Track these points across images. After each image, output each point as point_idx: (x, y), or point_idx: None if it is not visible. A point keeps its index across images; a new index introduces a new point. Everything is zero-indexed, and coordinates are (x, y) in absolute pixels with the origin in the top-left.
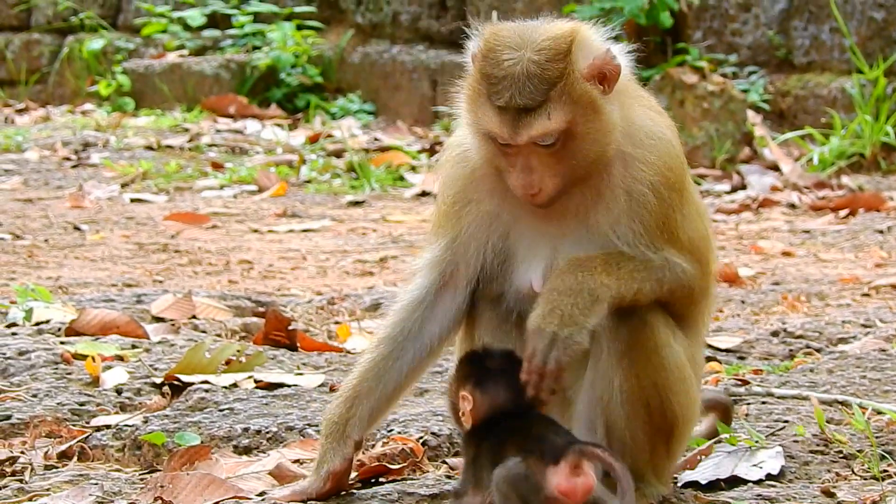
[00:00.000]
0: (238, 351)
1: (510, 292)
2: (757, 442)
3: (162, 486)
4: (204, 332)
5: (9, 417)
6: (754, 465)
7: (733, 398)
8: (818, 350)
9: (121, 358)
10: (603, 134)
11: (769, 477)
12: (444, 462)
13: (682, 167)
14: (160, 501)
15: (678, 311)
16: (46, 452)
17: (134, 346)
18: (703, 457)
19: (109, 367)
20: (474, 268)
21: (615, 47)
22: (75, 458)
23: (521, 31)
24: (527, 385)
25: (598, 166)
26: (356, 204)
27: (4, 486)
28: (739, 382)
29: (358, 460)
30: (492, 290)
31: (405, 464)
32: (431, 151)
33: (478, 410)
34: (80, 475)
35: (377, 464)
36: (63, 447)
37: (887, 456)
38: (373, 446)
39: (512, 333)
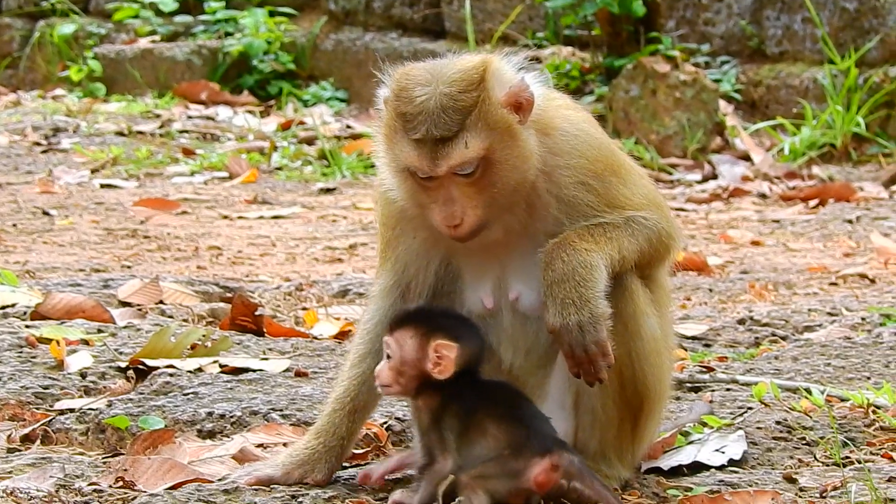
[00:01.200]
0: (204, 336)
1: (463, 310)
2: (720, 429)
3: (125, 470)
4: (171, 317)
5: None
6: (716, 451)
7: (697, 385)
8: (784, 338)
9: (86, 342)
10: (521, 160)
11: (732, 463)
12: (408, 447)
13: (609, 150)
14: (121, 483)
15: (655, 266)
16: (10, 435)
17: (99, 331)
18: (666, 447)
19: (74, 351)
20: (423, 289)
21: (529, 76)
22: (38, 442)
23: (430, 69)
24: (582, 375)
25: (520, 192)
26: (327, 191)
27: None
28: (704, 369)
29: None
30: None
31: (369, 448)
32: None
33: (453, 363)
34: (43, 458)
35: None
36: (26, 430)
37: (849, 443)
38: None
39: None
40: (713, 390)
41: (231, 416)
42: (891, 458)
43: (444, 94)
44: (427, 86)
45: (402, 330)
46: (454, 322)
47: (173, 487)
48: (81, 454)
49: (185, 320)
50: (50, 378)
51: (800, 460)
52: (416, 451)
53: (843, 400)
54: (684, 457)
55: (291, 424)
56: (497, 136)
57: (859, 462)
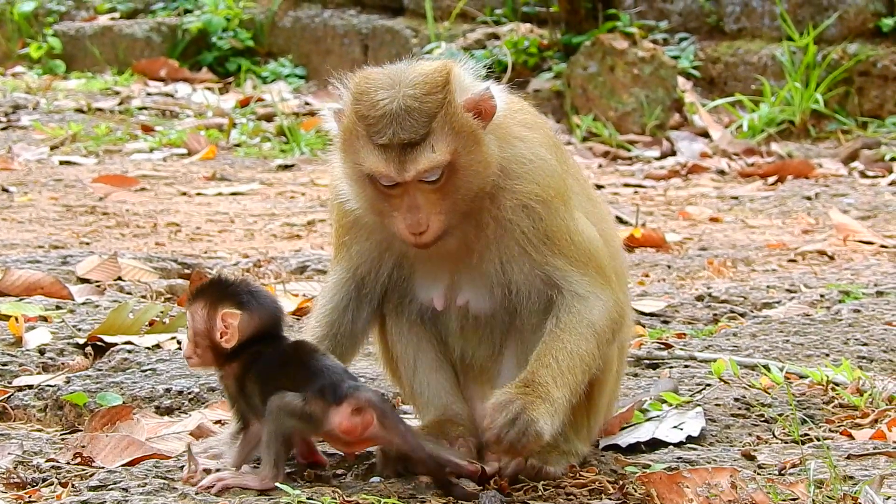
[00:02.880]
0: (162, 312)
1: (414, 304)
2: (678, 406)
3: (83, 446)
4: (129, 293)
5: None
6: (675, 428)
7: (655, 362)
8: (742, 315)
9: (44, 318)
10: (484, 165)
11: (690, 440)
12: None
13: (560, 180)
14: (80, 459)
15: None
16: None
17: (58, 307)
18: (624, 423)
19: (33, 328)
20: (373, 286)
21: (492, 85)
22: None
23: (390, 73)
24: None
25: (479, 199)
26: (285, 167)
27: None
28: (662, 346)
29: None
30: (395, 301)
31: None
32: None
33: (241, 328)
34: (1, 435)
35: None
36: None
37: (808, 420)
38: None
39: (421, 335)
40: (671, 367)
41: (189, 393)
42: (849, 436)
43: (409, 97)
44: (390, 89)
45: (195, 302)
46: (243, 292)
47: (131, 463)
48: (40, 430)
49: (143, 297)
50: (8, 354)
51: (758, 437)
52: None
53: (801, 377)
54: (642, 434)
55: None
56: (462, 141)
57: (818, 439)
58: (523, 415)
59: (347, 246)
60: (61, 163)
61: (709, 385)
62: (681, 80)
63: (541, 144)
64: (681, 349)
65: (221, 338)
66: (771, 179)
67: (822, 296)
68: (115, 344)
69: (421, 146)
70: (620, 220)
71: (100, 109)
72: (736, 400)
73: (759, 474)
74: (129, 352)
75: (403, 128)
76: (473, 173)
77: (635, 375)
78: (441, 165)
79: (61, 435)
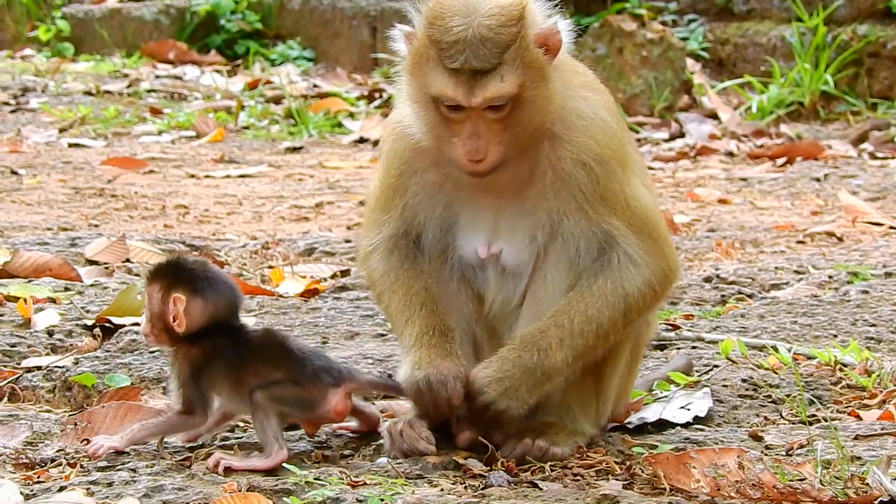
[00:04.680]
0: None
1: (454, 257)
2: (686, 386)
3: (85, 426)
4: (137, 275)
5: None
6: (682, 408)
7: (663, 343)
8: (750, 296)
9: (53, 300)
10: (547, 101)
11: (697, 420)
12: (373, 404)
13: (620, 142)
14: (87, 442)
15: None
16: None
17: (66, 289)
18: (631, 411)
19: (41, 309)
20: (423, 233)
21: (560, 21)
22: (6, 399)
23: (465, 1)
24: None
25: (534, 140)
26: (294, 150)
27: None
28: (670, 327)
29: None
30: (436, 252)
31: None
32: (370, 98)
33: (193, 316)
34: (10, 416)
35: None
36: None
37: (816, 401)
38: None
39: (457, 291)
40: (679, 348)
41: None
42: (857, 416)
43: (484, 26)
44: (465, 17)
45: (152, 283)
46: (200, 277)
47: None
48: (48, 412)
49: None
50: (17, 336)
51: (766, 418)
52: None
53: (809, 358)
54: (650, 414)
55: None
56: (530, 75)
57: (826, 420)
58: (493, 405)
59: (402, 190)
60: (70, 145)
61: (716, 366)
62: (689, 61)
63: (602, 106)
64: (688, 330)
65: (174, 321)
66: (780, 161)
67: (830, 277)
68: (124, 325)
69: (491, 74)
70: None
71: (108, 92)
72: (743, 381)
73: (766, 455)
74: (137, 333)
75: (476, 56)
76: (537, 108)
77: (643, 357)
78: (508, 96)
79: (70, 416)
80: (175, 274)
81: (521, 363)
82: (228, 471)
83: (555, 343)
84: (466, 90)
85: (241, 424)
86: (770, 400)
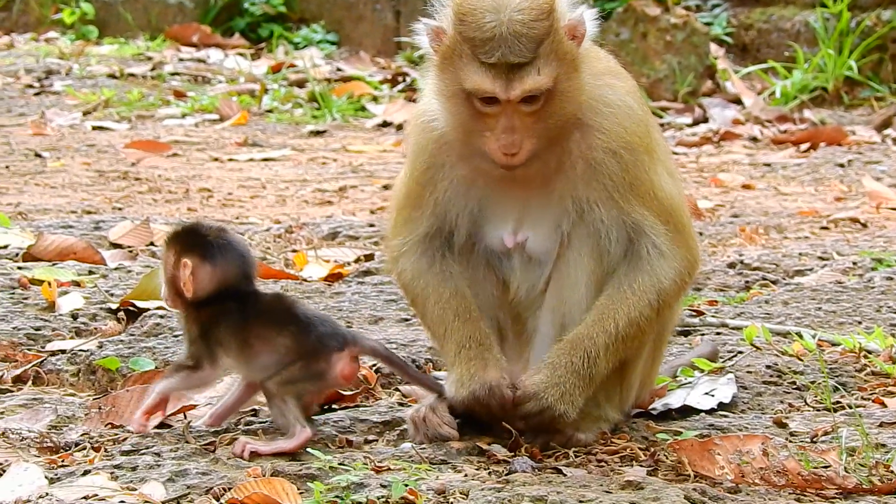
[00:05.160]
0: None
1: (481, 245)
2: (710, 372)
3: (110, 410)
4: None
5: None
6: (706, 394)
7: (687, 329)
8: (774, 282)
9: (77, 283)
10: (578, 91)
11: (721, 406)
12: (397, 389)
13: (646, 129)
14: (111, 427)
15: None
16: (1, 376)
17: (91, 272)
18: (656, 398)
19: (66, 293)
20: (455, 229)
21: (585, 11)
22: (30, 383)
23: None
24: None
25: (564, 131)
26: (317, 133)
27: None
28: (694, 313)
29: None
30: (463, 242)
31: (358, 390)
32: (393, 82)
33: (202, 281)
34: (35, 399)
35: (331, 390)
36: (18, 371)
37: (840, 387)
38: None
39: (483, 278)
40: (703, 334)
41: None
42: (882, 403)
43: (517, 21)
44: (495, 12)
45: (167, 247)
46: (211, 243)
47: (163, 426)
48: (73, 395)
49: None
50: (41, 319)
51: (790, 405)
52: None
53: (834, 344)
54: (674, 400)
55: None
56: (564, 67)
57: (850, 407)
58: (549, 411)
59: (431, 188)
60: (94, 128)
61: (741, 352)
62: (713, 46)
63: (628, 93)
64: (713, 316)
65: (183, 286)
66: (803, 146)
67: (854, 263)
68: (148, 309)
69: (527, 68)
70: None
71: (132, 75)
72: (768, 367)
73: (790, 442)
74: (162, 317)
75: (513, 51)
76: (568, 99)
77: (668, 343)
78: (544, 88)
79: (94, 399)
80: (188, 239)
81: (573, 369)
82: (255, 455)
83: (602, 349)
84: (504, 84)
85: (266, 409)
86: (794, 386)
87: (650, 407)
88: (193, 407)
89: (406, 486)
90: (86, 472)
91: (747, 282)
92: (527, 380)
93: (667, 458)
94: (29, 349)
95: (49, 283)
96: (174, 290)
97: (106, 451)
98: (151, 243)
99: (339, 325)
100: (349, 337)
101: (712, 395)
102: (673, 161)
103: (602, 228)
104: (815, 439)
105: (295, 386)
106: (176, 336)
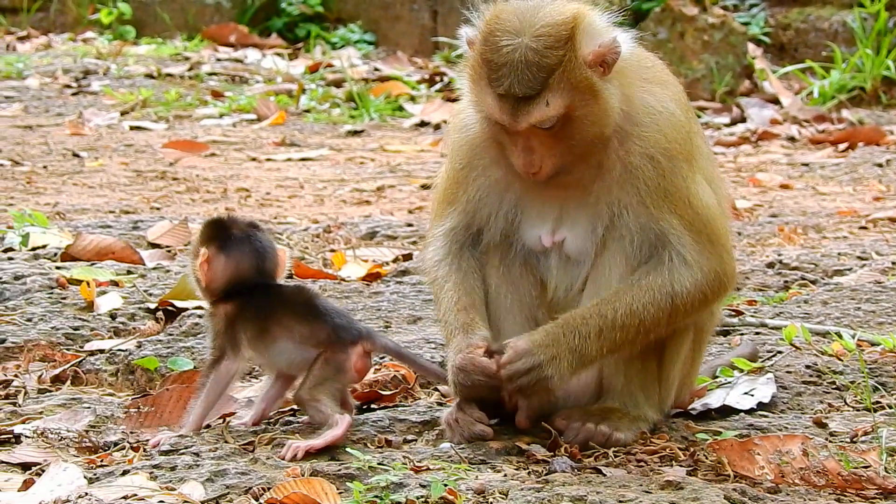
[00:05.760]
0: None
1: (518, 244)
2: (749, 372)
3: (151, 410)
4: None
5: (3, 341)
6: (745, 394)
7: (726, 328)
8: (813, 282)
9: (115, 283)
10: (600, 116)
11: (761, 406)
12: (436, 389)
13: (687, 136)
14: (152, 428)
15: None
16: (40, 376)
17: (129, 272)
18: (695, 398)
19: (104, 293)
20: (485, 227)
21: (619, 33)
22: (69, 382)
23: (521, 14)
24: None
25: (597, 144)
26: (355, 133)
27: None
28: (733, 313)
29: (352, 387)
30: (499, 241)
31: (397, 390)
32: (431, 82)
33: (215, 272)
34: (73, 399)
35: (370, 390)
36: (57, 371)
37: (880, 387)
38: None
39: (519, 276)
40: (742, 334)
41: None
42: None
43: (531, 49)
44: (515, 36)
45: (197, 239)
46: (230, 236)
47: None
48: (111, 395)
49: None
50: (80, 319)
51: (830, 405)
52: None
53: (873, 344)
54: (713, 400)
55: None
56: (578, 95)
57: (890, 407)
58: (538, 370)
59: (465, 185)
60: (132, 128)
61: (780, 352)
62: (751, 46)
63: (671, 99)
64: (752, 316)
65: (197, 274)
66: (842, 146)
67: (893, 263)
68: (186, 308)
69: (535, 99)
70: None
71: (170, 75)
72: (807, 367)
73: (830, 442)
74: (200, 316)
75: (520, 81)
76: (589, 122)
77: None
78: (553, 118)
79: (132, 399)
80: (209, 230)
81: (564, 340)
82: (309, 454)
83: (594, 332)
84: (511, 115)
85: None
86: (834, 386)
87: (689, 407)
88: (232, 414)
89: (445, 485)
90: (125, 472)
91: (786, 281)
92: (517, 340)
93: (706, 458)
94: (68, 349)
95: (87, 283)
96: (198, 280)
97: (145, 450)
98: (189, 243)
99: (355, 320)
100: (363, 332)
101: (752, 395)
102: (717, 171)
103: (628, 234)
104: (854, 439)
105: (324, 386)
106: None
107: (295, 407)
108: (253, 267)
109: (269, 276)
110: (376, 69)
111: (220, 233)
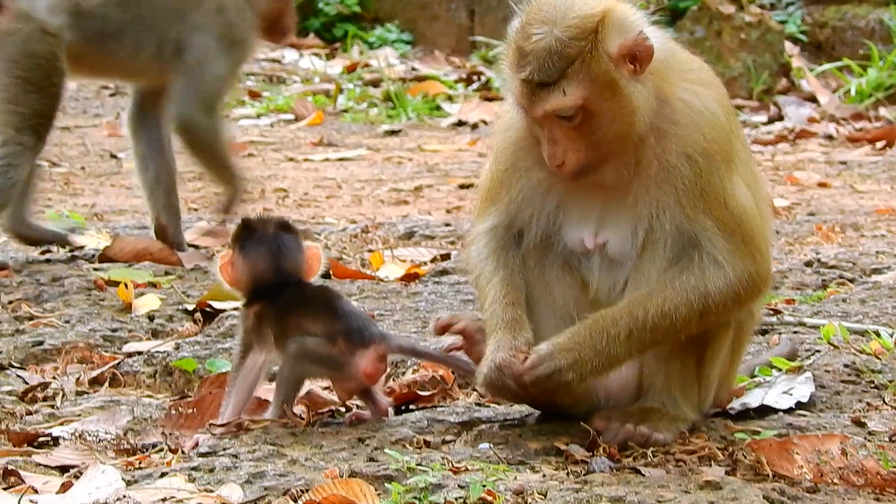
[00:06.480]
0: None
1: (559, 245)
2: (788, 371)
3: (192, 412)
4: None
5: (41, 343)
6: (784, 393)
7: (765, 328)
8: (851, 280)
9: (154, 284)
10: (623, 114)
11: (799, 406)
12: (474, 390)
13: (727, 138)
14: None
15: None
16: (78, 378)
17: (167, 273)
18: (734, 397)
19: (142, 294)
20: (526, 228)
21: (650, 28)
22: (107, 384)
23: (556, 6)
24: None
25: (627, 142)
26: (392, 133)
27: (36, 411)
28: (771, 312)
29: (389, 387)
30: (540, 241)
31: (436, 391)
32: (468, 81)
33: (238, 272)
34: (112, 401)
35: (408, 391)
36: (95, 373)
37: None
38: (404, 374)
39: (560, 277)
40: (780, 333)
41: None
42: None
43: (556, 38)
44: (545, 25)
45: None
46: (252, 236)
47: (243, 430)
48: (150, 397)
49: None
50: (118, 321)
51: (868, 404)
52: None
53: None
54: (752, 400)
55: None
56: (597, 89)
57: None
58: (558, 374)
59: (508, 185)
60: None
61: (818, 351)
62: (788, 44)
63: (714, 100)
64: (790, 315)
65: (221, 273)
66: (879, 144)
67: None
68: (224, 310)
69: (553, 87)
70: None
71: None
72: (846, 366)
73: (869, 441)
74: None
75: (541, 68)
76: (612, 119)
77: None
78: (569, 109)
79: (171, 401)
80: (238, 232)
81: (590, 342)
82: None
83: (623, 333)
84: (529, 100)
85: (342, 409)
86: (873, 385)
87: (728, 406)
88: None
89: (484, 486)
90: (163, 475)
91: (824, 280)
92: (542, 344)
93: (745, 458)
94: (106, 351)
95: (125, 285)
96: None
97: (183, 452)
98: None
99: (373, 323)
100: (377, 335)
101: (790, 395)
102: (758, 175)
103: (666, 234)
104: (893, 438)
105: (311, 361)
106: None
107: (333, 408)
108: (270, 267)
109: (289, 275)
110: (413, 69)
111: (244, 233)
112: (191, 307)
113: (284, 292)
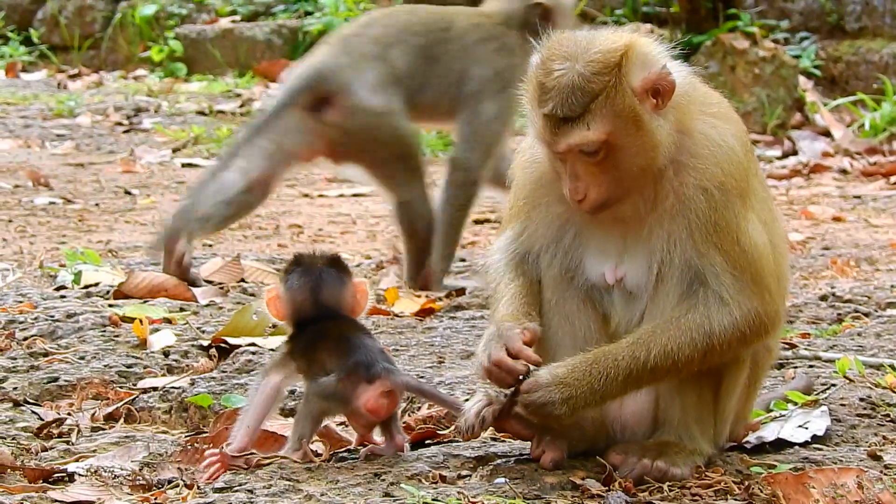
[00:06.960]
0: None
1: (580, 279)
2: (803, 405)
3: (208, 448)
4: (252, 294)
5: (56, 379)
6: (800, 427)
7: (780, 362)
8: (866, 314)
9: (168, 320)
10: (646, 149)
11: (815, 439)
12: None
13: (744, 173)
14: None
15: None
16: (93, 414)
17: (182, 309)
18: (750, 431)
19: (157, 330)
20: (545, 257)
21: (672, 63)
22: (122, 420)
23: (577, 42)
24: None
25: (647, 176)
26: None
27: (52, 448)
28: (787, 346)
29: (404, 422)
30: (558, 274)
31: (452, 427)
32: None
33: (281, 307)
34: (127, 437)
35: (423, 427)
36: (110, 409)
37: None
38: (419, 408)
39: (580, 309)
40: (796, 367)
41: None
42: None
43: (579, 74)
44: (567, 61)
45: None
46: (295, 271)
47: (257, 466)
48: (165, 433)
49: None
50: (133, 357)
51: (884, 437)
52: None
53: None
54: (768, 433)
55: None
56: (621, 124)
57: None
58: (550, 406)
59: (529, 210)
60: (183, 165)
61: (833, 385)
62: (802, 79)
63: (733, 136)
64: (805, 349)
65: (268, 307)
66: (893, 178)
67: None
68: (240, 346)
69: (576, 122)
70: None
71: (221, 112)
72: (861, 399)
73: (885, 475)
74: (254, 353)
75: (564, 104)
76: (635, 153)
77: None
78: (593, 144)
79: (186, 437)
80: (289, 265)
81: (588, 380)
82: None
83: (623, 375)
84: (552, 136)
85: (361, 447)
86: (888, 419)
87: (744, 440)
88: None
89: None
90: None
91: (839, 314)
92: (543, 370)
93: (761, 492)
94: (121, 387)
95: (140, 321)
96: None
97: (199, 488)
98: (242, 280)
99: (384, 358)
100: (381, 372)
101: (806, 428)
102: (775, 213)
103: (678, 268)
104: None
105: (324, 399)
106: None
107: (350, 447)
108: (308, 301)
109: (329, 310)
110: None
111: (292, 267)
112: (206, 343)
113: (314, 327)
